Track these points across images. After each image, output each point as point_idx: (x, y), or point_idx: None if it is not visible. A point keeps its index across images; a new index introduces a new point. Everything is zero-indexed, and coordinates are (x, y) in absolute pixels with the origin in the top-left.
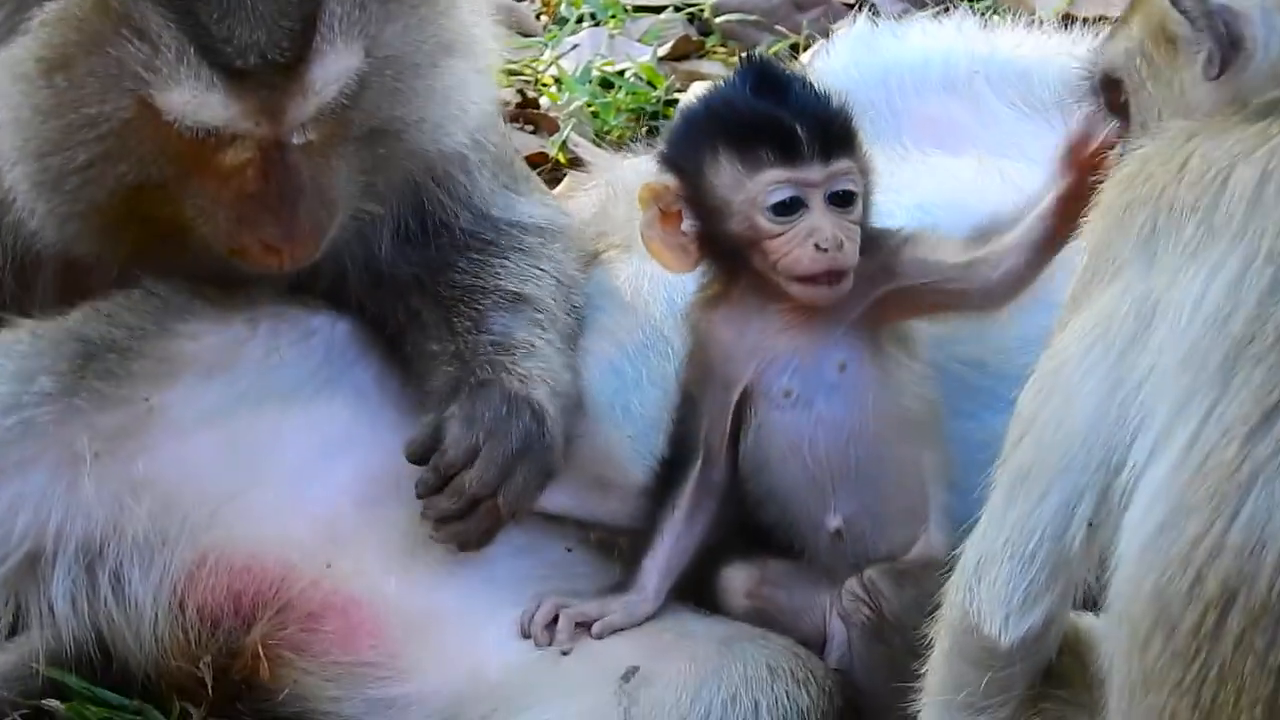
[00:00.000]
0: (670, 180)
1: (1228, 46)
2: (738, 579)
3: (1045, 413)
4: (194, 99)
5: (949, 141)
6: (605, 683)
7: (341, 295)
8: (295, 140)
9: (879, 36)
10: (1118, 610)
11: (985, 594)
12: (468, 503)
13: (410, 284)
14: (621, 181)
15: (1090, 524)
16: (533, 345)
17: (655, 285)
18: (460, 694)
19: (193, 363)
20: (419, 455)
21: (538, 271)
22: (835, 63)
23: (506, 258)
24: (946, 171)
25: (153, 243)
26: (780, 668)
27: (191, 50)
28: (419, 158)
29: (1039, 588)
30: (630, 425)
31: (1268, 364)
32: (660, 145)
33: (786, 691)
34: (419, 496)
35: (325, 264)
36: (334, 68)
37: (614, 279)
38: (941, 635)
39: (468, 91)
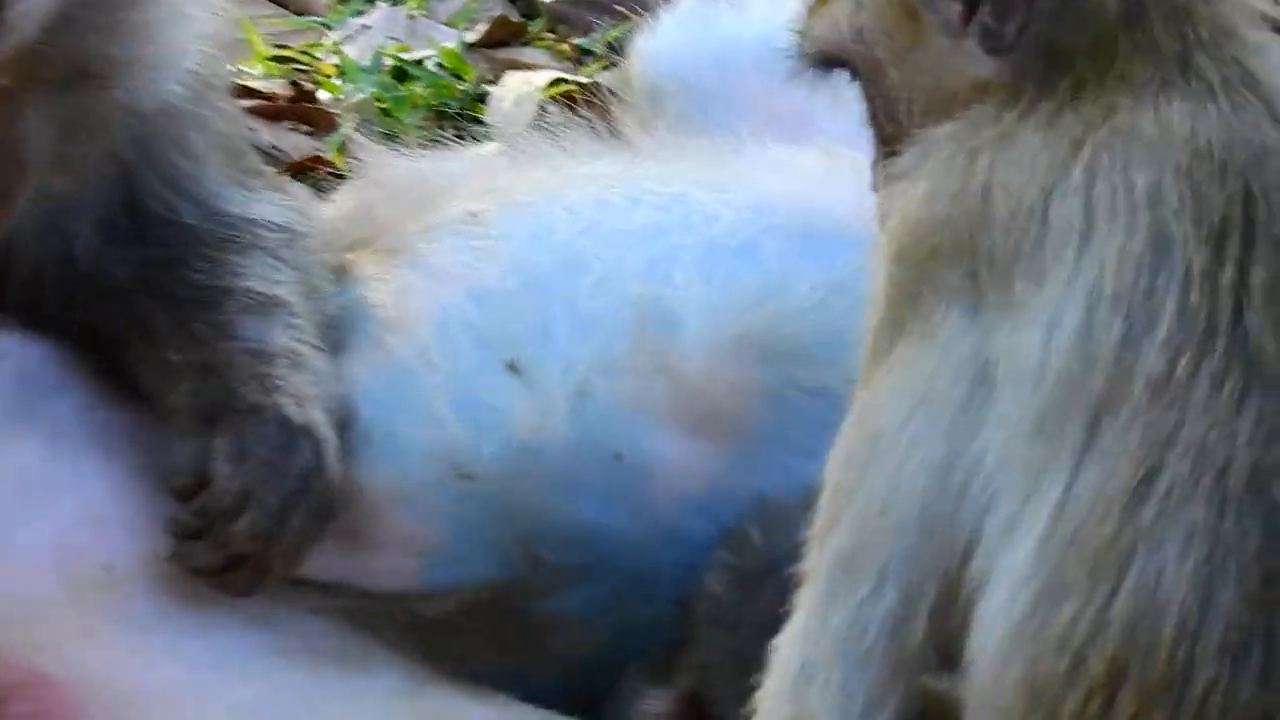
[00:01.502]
0: None
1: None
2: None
3: (865, 490)
4: None
5: (793, 131)
6: None
7: (39, 306)
8: None
9: (715, 13)
10: (980, 699)
11: (819, 702)
12: (233, 557)
13: (130, 288)
14: (392, 180)
15: (931, 614)
16: (296, 354)
17: (424, 300)
18: None
19: None
20: (186, 492)
21: (284, 273)
22: (663, 43)
23: (247, 256)
24: (788, 165)
25: None
26: None
27: None
28: (126, 118)
29: (882, 689)
30: (393, 464)
31: (1142, 422)
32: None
33: None
34: (173, 535)
35: (16, 264)
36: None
37: (374, 292)
38: None
39: (184, 25)
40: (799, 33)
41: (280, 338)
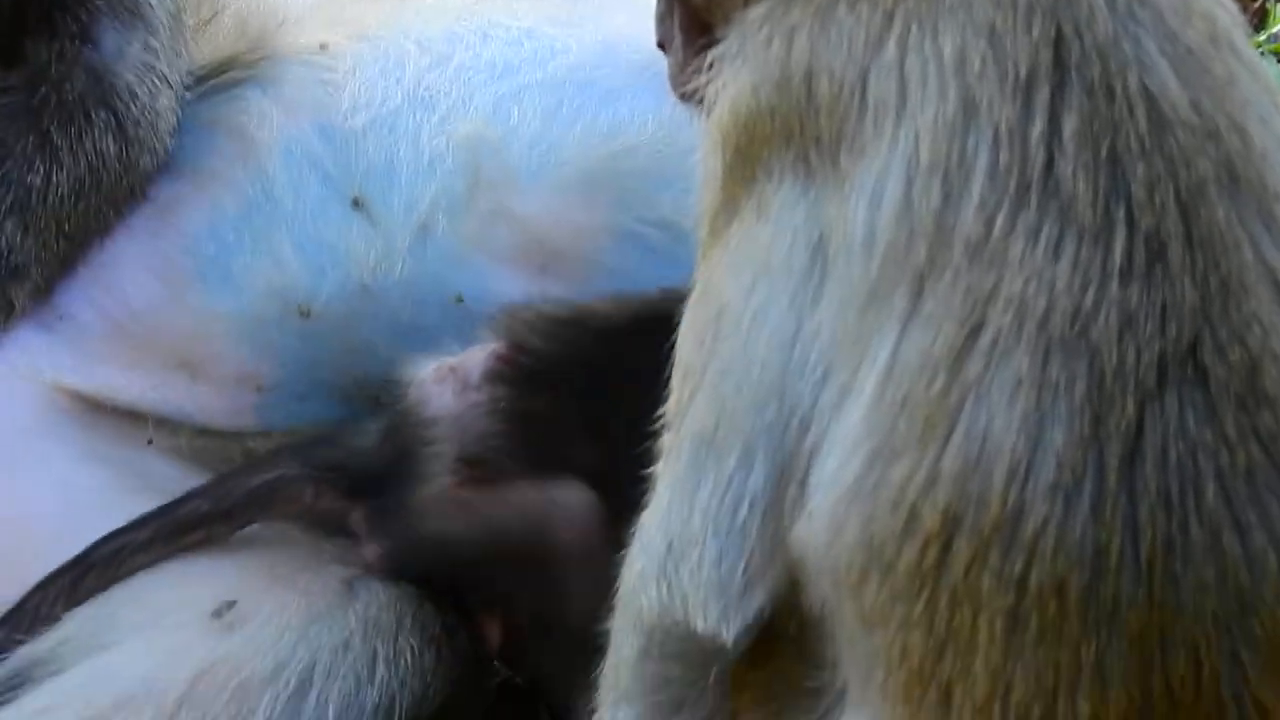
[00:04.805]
0: None
1: None
2: None
3: (717, 366)
4: None
5: None
6: (194, 617)
7: None
8: None
9: None
10: (817, 561)
11: (691, 583)
12: None
13: None
14: (241, 6)
15: (803, 484)
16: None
17: (272, 132)
18: None
19: None
20: None
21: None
22: None
23: None
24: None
25: None
26: (409, 616)
27: None
28: None
29: (760, 565)
30: (231, 298)
31: (964, 284)
32: None
33: (412, 645)
34: None
35: None
36: None
37: (224, 115)
38: (628, 635)
39: None
40: None
41: (135, 50)
